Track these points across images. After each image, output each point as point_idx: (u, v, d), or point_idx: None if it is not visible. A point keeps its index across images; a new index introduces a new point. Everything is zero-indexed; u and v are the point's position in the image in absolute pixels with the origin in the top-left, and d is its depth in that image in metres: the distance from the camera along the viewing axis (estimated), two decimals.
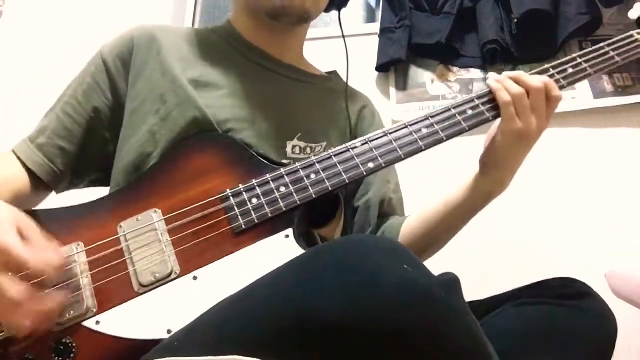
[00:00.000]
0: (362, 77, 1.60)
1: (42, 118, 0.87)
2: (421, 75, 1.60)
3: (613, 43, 0.83)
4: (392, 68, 1.61)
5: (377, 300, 0.47)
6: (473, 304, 0.52)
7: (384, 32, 1.59)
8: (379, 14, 1.66)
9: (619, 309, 0.83)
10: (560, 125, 1.41)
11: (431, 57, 1.60)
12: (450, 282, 0.50)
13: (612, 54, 0.81)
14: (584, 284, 0.77)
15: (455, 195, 0.86)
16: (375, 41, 1.62)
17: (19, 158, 0.81)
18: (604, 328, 0.72)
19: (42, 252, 0.59)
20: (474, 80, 1.56)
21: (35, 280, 0.59)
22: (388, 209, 0.97)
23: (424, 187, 1.18)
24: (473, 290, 0.67)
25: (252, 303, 0.54)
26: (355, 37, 1.62)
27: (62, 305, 0.61)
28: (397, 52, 1.54)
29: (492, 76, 0.80)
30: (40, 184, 0.82)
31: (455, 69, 1.58)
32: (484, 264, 1.34)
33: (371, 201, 0.94)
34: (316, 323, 0.48)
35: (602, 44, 0.82)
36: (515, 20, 1.43)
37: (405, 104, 1.56)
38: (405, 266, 0.49)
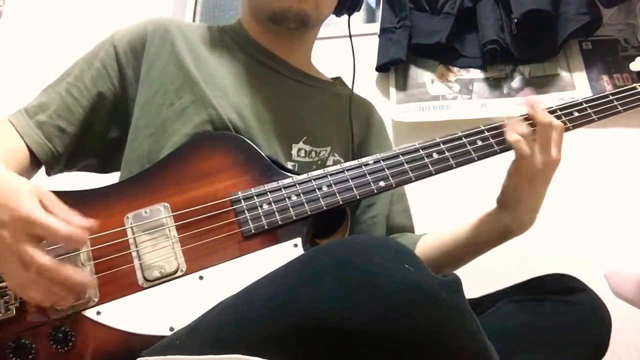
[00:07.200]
0: (362, 77, 1.59)
1: (41, 93, 0.85)
2: (421, 75, 1.60)
3: (617, 93, 0.86)
4: (392, 68, 1.61)
5: (378, 300, 0.47)
6: (469, 302, 0.53)
7: (384, 32, 1.59)
8: (379, 14, 1.65)
9: (619, 309, 0.83)
10: None
11: (431, 57, 1.60)
12: (452, 282, 0.50)
13: (615, 103, 0.85)
14: (576, 279, 0.78)
15: (472, 228, 0.86)
16: (375, 41, 1.61)
17: (17, 131, 0.80)
18: (597, 322, 0.73)
19: (67, 220, 0.58)
20: (474, 80, 1.55)
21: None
22: (393, 222, 0.97)
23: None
24: (473, 289, 0.68)
25: (253, 303, 0.55)
26: (355, 37, 1.61)
27: (91, 283, 0.62)
28: (397, 52, 1.54)
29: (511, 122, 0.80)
30: (36, 163, 0.81)
31: (455, 69, 1.58)
32: (484, 263, 1.34)
33: (377, 218, 0.94)
34: (317, 323, 0.48)
35: (606, 93, 0.85)
36: (515, 21, 1.43)
37: (405, 104, 1.56)
38: (407, 266, 0.49)
